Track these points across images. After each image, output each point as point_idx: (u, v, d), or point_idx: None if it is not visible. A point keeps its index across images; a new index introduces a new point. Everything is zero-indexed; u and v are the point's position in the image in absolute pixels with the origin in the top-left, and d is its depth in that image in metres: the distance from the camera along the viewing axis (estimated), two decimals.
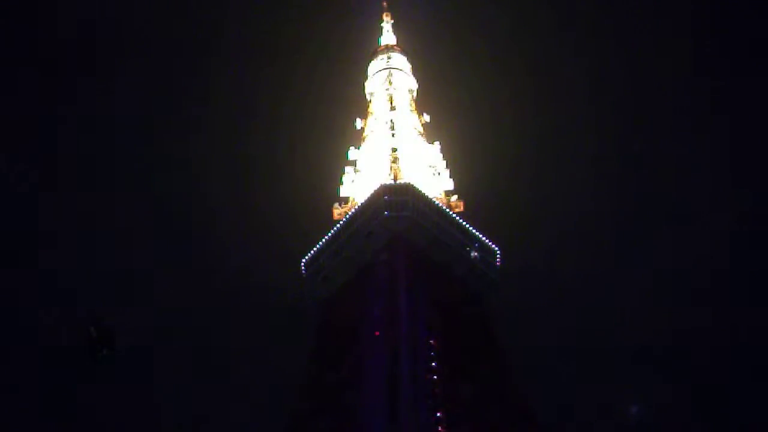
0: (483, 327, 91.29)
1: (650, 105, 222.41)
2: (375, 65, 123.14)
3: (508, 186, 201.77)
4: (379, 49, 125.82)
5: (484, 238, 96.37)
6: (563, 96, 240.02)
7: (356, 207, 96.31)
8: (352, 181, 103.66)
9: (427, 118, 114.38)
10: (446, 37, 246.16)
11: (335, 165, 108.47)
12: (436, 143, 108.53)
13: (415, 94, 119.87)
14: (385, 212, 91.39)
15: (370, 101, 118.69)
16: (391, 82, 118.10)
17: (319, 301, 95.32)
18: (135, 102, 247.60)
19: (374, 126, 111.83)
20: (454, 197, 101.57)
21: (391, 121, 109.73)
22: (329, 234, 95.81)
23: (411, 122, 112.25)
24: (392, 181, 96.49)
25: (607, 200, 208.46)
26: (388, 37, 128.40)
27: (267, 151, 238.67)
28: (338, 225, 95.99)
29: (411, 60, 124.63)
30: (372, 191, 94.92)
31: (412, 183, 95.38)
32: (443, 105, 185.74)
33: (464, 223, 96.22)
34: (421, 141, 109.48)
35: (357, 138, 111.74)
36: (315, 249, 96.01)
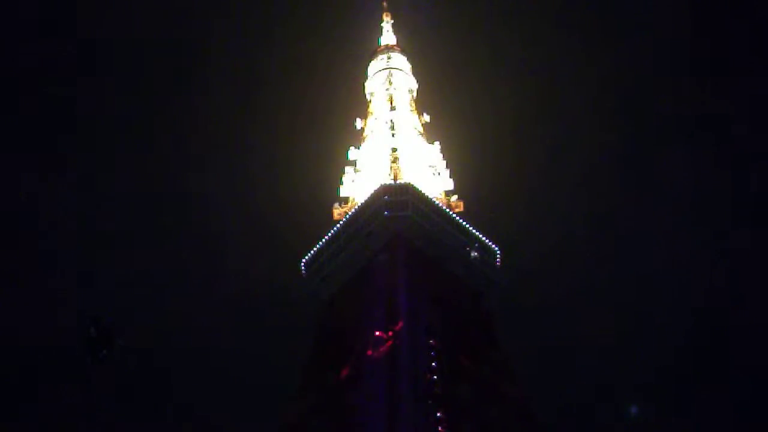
0: (483, 327, 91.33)
1: (651, 105, 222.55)
2: (375, 65, 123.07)
3: (508, 186, 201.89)
4: (379, 49, 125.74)
5: (484, 238, 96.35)
6: (563, 95, 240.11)
7: (356, 207, 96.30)
8: (352, 181, 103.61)
9: (427, 118, 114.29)
10: (446, 37, 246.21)
11: (335, 165, 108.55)
12: (436, 143, 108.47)
13: (415, 94, 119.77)
14: (385, 212, 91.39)
15: (370, 101, 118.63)
16: (391, 82, 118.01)
17: (319, 301, 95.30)
18: (134, 102, 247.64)
19: (374, 126, 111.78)
20: (454, 197, 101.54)
21: (391, 121, 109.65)
22: (329, 234, 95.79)
23: (411, 122, 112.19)
24: (392, 181, 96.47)
25: (608, 200, 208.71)
26: (388, 37, 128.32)
27: (267, 151, 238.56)
28: (338, 225, 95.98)
29: (411, 60, 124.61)
30: (372, 191, 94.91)
31: (412, 183, 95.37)
32: (443, 105, 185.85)
33: (464, 223, 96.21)
34: (421, 141, 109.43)
35: (357, 138, 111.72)
36: (315, 249, 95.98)
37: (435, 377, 76.78)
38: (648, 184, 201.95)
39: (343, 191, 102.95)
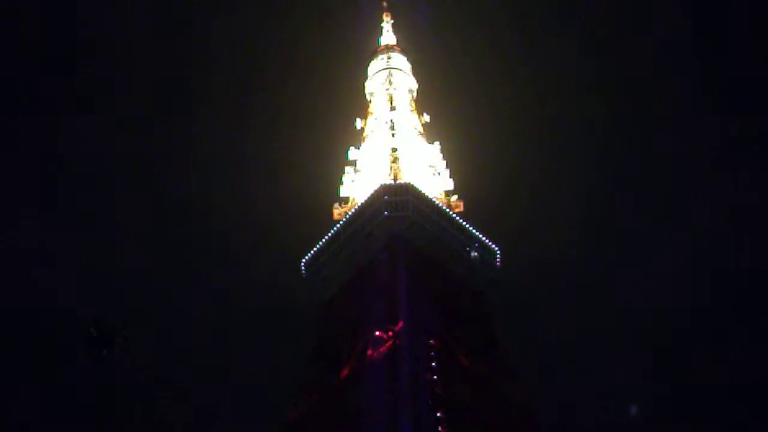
0: (483, 327, 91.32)
1: (651, 105, 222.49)
2: (375, 65, 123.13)
3: (509, 186, 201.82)
4: (379, 49, 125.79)
5: (484, 238, 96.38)
6: (564, 95, 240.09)
7: (356, 207, 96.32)
8: (352, 181, 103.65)
9: (427, 118, 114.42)
10: (446, 37, 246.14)
11: (335, 165, 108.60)
12: (436, 143, 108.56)
13: (415, 94, 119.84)
14: (385, 212, 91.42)
15: (370, 101, 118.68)
16: (391, 82, 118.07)
17: (319, 301, 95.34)
18: (134, 101, 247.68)
19: (374, 126, 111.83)
20: (454, 197, 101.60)
21: (391, 121, 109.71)
22: (329, 234, 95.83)
23: (411, 122, 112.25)
24: (392, 181, 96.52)
25: (608, 200, 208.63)
26: (388, 37, 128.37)
27: (267, 151, 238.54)
28: (338, 225, 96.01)
29: (411, 60, 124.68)
30: (372, 191, 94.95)
31: (412, 183, 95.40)
32: (443, 105, 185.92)
33: (464, 223, 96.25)
34: (421, 141, 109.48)
35: (357, 138, 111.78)
36: (315, 249, 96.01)
37: (435, 377, 76.77)
38: (648, 184, 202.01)
39: (343, 191, 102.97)
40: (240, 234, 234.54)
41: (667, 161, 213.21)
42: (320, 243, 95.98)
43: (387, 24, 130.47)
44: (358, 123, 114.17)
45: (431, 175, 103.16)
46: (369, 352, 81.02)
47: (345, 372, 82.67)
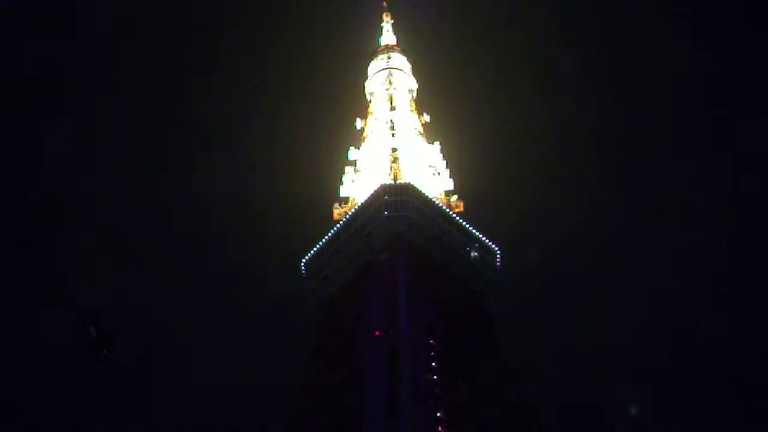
0: (483, 327, 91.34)
1: (651, 105, 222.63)
2: (375, 65, 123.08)
3: (509, 186, 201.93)
4: (379, 49, 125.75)
5: (484, 238, 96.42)
6: (563, 95, 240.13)
7: (356, 207, 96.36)
8: (352, 181, 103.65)
9: (427, 118, 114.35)
10: (446, 37, 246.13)
11: (335, 165, 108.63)
12: (436, 143, 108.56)
13: (415, 94, 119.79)
14: (385, 212, 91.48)
15: (370, 101, 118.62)
16: (391, 82, 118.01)
17: (319, 301, 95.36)
18: (135, 101, 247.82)
19: (374, 126, 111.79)
20: (454, 197, 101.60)
21: (391, 121, 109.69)
22: (329, 234, 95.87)
23: (411, 122, 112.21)
24: (392, 181, 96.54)
25: (608, 201, 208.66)
26: (388, 37, 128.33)
27: (267, 151, 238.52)
28: (338, 225, 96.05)
29: (411, 60, 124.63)
30: (372, 191, 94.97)
31: (412, 183, 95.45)
32: (443, 105, 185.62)
33: (464, 223, 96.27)
34: (421, 141, 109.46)
35: (357, 138, 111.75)
36: (315, 249, 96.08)
37: (435, 377, 76.79)
38: (647, 184, 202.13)
39: (343, 191, 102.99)
40: (240, 233, 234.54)
41: (667, 161, 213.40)
42: (320, 243, 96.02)
43: (387, 24, 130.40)
44: (358, 123, 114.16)
45: (431, 175, 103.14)
46: (369, 352, 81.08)
47: (345, 372, 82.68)
